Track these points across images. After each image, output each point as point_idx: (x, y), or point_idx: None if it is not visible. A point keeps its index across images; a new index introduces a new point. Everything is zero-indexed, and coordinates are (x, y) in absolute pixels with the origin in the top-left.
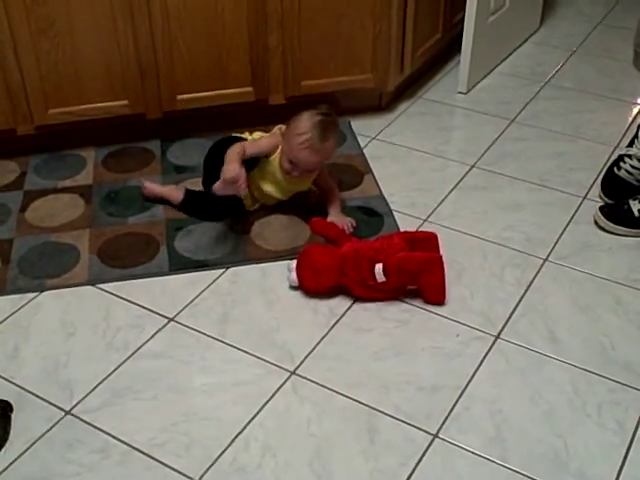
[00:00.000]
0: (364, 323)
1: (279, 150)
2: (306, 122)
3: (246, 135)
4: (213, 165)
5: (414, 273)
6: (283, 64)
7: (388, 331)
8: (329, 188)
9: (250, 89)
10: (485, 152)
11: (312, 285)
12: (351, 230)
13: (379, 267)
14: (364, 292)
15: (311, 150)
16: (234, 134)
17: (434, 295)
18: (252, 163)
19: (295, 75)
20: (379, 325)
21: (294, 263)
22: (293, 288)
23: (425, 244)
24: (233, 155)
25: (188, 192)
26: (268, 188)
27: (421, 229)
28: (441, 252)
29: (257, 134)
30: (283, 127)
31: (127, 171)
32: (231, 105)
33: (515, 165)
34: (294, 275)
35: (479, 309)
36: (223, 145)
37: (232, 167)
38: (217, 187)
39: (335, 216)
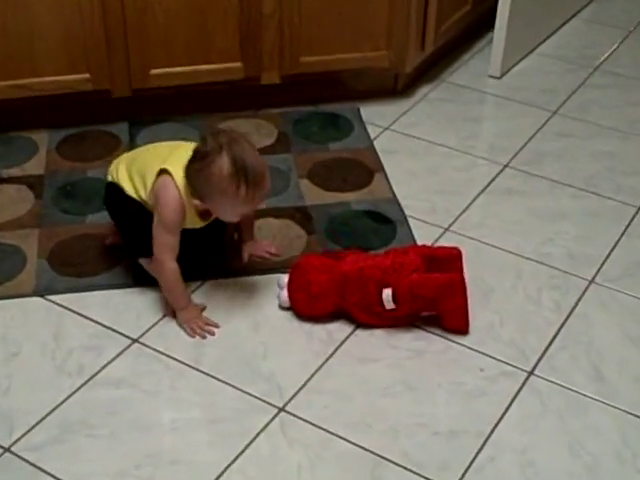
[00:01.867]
0: (370, 352)
1: (186, 201)
2: (219, 178)
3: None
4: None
5: (430, 300)
6: (279, 35)
7: (398, 362)
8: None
9: (238, 64)
10: (521, 149)
11: (306, 311)
12: (268, 256)
13: (388, 293)
14: (370, 319)
15: (259, 185)
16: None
17: (455, 321)
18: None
19: (293, 49)
20: (388, 354)
21: (285, 279)
22: (284, 308)
23: (446, 263)
24: (177, 295)
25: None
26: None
27: (441, 241)
28: (465, 271)
29: (185, 152)
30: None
31: (87, 159)
32: (215, 84)
33: (557, 166)
34: (285, 295)
35: (509, 338)
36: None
37: (189, 316)
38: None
39: (251, 244)
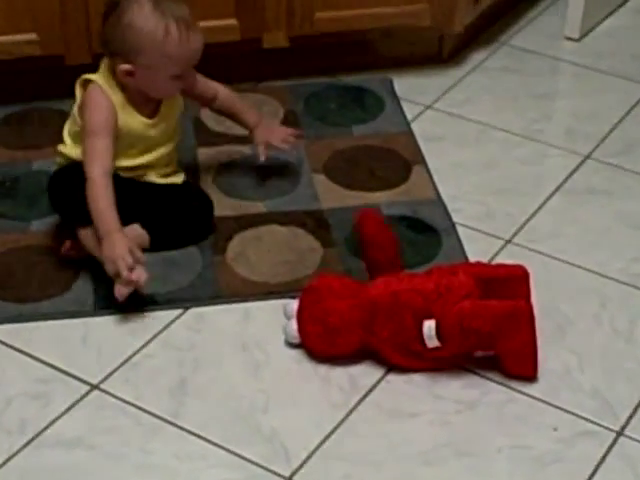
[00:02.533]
0: (405, 404)
1: (116, 99)
2: (145, 18)
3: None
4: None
5: (486, 335)
6: None
7: (444, 418)
8: (215, 87)
9: (233, 22)
10: (607, 135)
11: (323, 348)
12: (287, 147)
13: (430, 325)
14: (405, 360)
15: (192, 29)
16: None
17: (519, 364)
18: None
19: (306, 3)
20: (430, 408)
21: (295, 306)
22: (292, 345)
23: (508, 287)
24: (104, 214)
25: (150, 222)
26: (141, 159)
27: (501, 256)
28: (533, 297)
29: (103, 64)
30: (119, 70)
31: (32, 147)
32: (204, 47)
33: None
34: (294, 327)
35: (592, 387)
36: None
37: (117, 253)
38: (119, 292)
39: (261, 130)
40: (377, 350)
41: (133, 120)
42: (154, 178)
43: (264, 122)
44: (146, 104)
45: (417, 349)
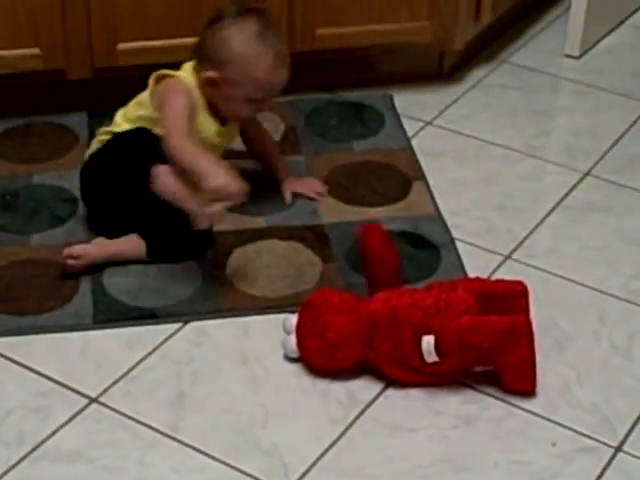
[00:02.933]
0: (404, 418)
1: (198, 98)
2: (245, 36)
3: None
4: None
5: (485, 351)
6: (289, 0)
7: (442, 433)
8: (263, 133)
9: None
10: (607, 152)
11: (322, 362)
12: (317, 197)
13: (429, 341)
14: (404, 375)
15: (284, 62)
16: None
17: (518, 379)
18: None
19: (307, 19)
20: (428, 422)
21: (294, 321)
22: (291, 359)
23: (507, 303)
24: (194, 152)
25: (150, 232)
26: None
27: (500, 272)
28: (532, 312)
29: (187, 65)
30: (204, 76)
31: (33, 160)
32: None
33: None
34: (293, 341)
35: (590, 403)
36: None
37: (220, 174)
38: (201, 217)
39: (292, 180)
40: (376, 365)
41: (209, 122)
42: None
43: (293, 176)
44: (216, 113)
45: (416, 364)
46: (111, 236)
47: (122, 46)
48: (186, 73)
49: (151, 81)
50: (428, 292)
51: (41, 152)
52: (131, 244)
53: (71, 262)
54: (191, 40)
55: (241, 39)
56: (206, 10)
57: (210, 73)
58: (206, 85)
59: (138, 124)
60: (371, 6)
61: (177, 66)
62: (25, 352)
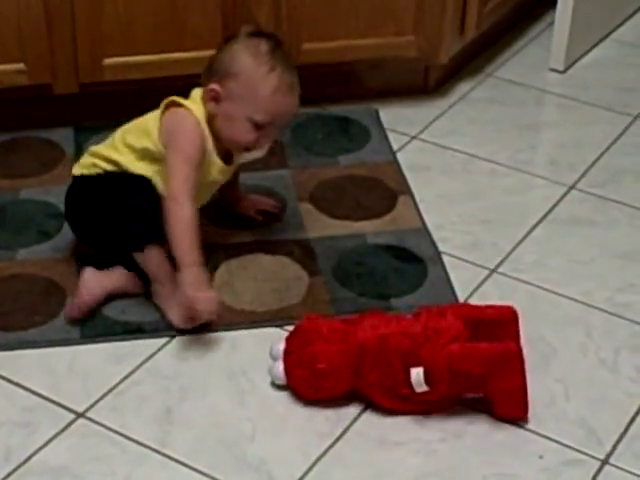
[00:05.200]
0: (391, 432)
1: (206, 135)
2: (255, 54)
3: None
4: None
5: (476, 377)
6: (274, 15)
7: (429, 447)
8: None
9: None
10: (592, 166)
11: (310, 393)
12: (276, 210)
13: (419, 372)
14: (394, 403)
15: (291, 89)
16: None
17: (509, 407)
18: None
19: (292, 33)
20: (415, 436)
21: (281, 347)
22: (278, 386)
23: (497, 328)
24: (188, 241)
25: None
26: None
27: (486, 285)
28: (522, 339)
29: (196, 92)
30: (208, 89)
31: (19, 176)
32: (188, 77)
33: (639, 188)
34: (280, 369)
35: (577, 416)
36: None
37: (194, 278)
38: (180, 321)
39: (248, 201)
40: (365, 394)
41: (214, 160)
42: None
43: (247, 196)
44: (222, 148)
45: (405, 393)
46: (96, 263)
47: (108, 61)
48: (195, 103)
49: (160, 109)
50: (416, 319)
51: (27, 167)
52: (127, 278)
53: (86, 310)
54: (177, 55)
55: (250, 54)
56: (192, 26)
57: (213, 85)
58: (209, 100)
59: (143, 161)
60: (357, 21)
61: (166, 80)
62: (12, 367)
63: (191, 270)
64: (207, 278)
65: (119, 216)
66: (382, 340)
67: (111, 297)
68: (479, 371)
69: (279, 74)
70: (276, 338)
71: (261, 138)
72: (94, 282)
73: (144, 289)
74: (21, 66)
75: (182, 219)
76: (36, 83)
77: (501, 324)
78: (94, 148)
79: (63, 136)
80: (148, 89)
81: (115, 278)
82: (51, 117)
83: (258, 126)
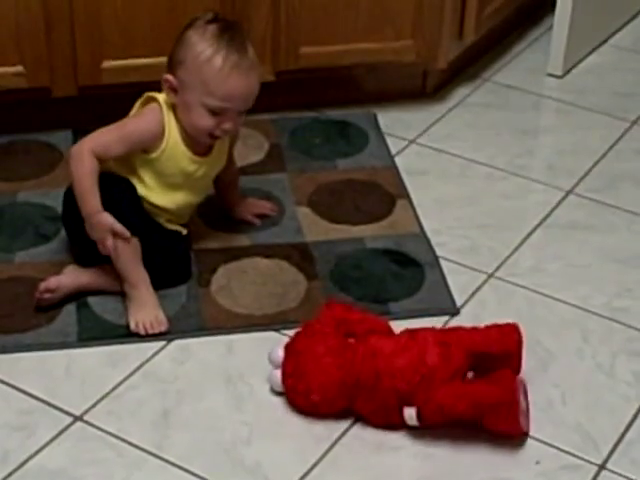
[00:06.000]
0: (388, 437)
1: (171, 126)
2: (202, 38)
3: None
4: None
5: (470, 418)
6: (273, 19)
7: (425, 451)
8: (233, 163)
9: None
10: (590, 171)
11: (306, 406)
12: (274, 213)
13: (411, 413)
14: (387, 423)
15: (238, 70)
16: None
17: (507, 434)
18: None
19: (291, 37)
20: (411, 441)
21: (280, 354)
22: (277, 392)
23: (498, 361)
24: (84, 182)
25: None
26: (165, 200)
27: (484, 290)
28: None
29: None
30: (165, 79)
31: (16, 179)
32: None
33: (637, 193)
34: (279, 376)
35: (574, 421)
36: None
37: (99, 223)
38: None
39: (244, 204)
40: (359, 414)
41: (181, 151)
42: (162, 221)
43: (243, 200)
44: (198, 143)
45: (399, 422)
46: (85, 262)
47: (107, 64)
48: (167, 97)
49: (138, 103)
50: (416, 346)
51: (25, 170)
52: (106, 276)
53: (47, 296)
54: None
55: (196, 39)
56: None
57: (167, 76)
58: (168, 92)
59: (121, 162)
60: (355, 25)
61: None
62: (9, 370)
63: (95, 216)
64: (110, 220)
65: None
66: (378, 378)
67: (87, 292)
68: (472, 413)
69: (223, 56)
70: (275, 343)
71: (222, 124)
72: (70, 274)
73: (119, 288)
74: (20, 69)
75: (82, 173)
76: (35, 86)
77: (504, 360)
78: None
79: (61, 139)
80: (145, 92)
81: (93, 274)
82: (49, 120)
83: (214, 112)
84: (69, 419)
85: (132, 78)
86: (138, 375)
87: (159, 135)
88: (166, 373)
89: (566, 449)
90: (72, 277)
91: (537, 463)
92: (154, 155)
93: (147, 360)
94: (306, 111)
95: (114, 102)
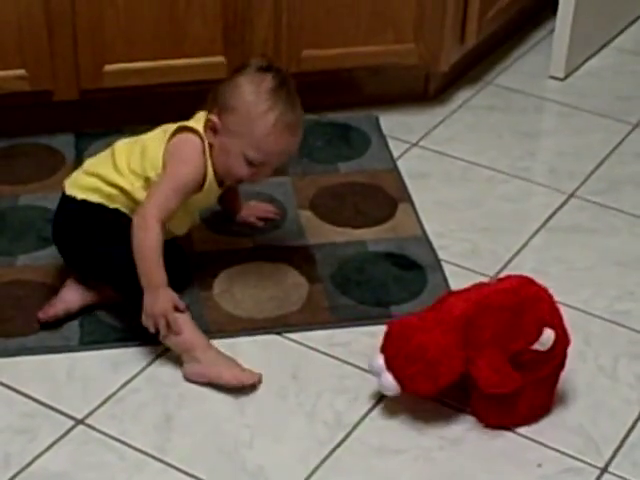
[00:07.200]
0: (390, 440)
1: (208, 164)
2: (258, 90)
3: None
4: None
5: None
6: (275, 22)
7: (428, 454)
8: (236, 196)
9: (221, 59)
10: (591, 174)
11: (429, 386)
12: (276, 217)
13: (550, 335)
14: (496, 374)
15: (289, 130)
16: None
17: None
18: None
19: (293, 40)
20: (414, 444)
21: (380, 360)
22: (390, 397)
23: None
24: (152, 255)
25: (122, 286)
26: (181, 227)
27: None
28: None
29: (200, 115)
30: (207, 119)
31: (19, 182)
32: (188, 84)
33: (639, 195)
34: (390, 379)
35: (576, 424)
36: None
37: (160, 300)
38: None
39: (247, 209)
40: (473, 368)
41: (213, 188)
42: None
43: (246, 204)
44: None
45: (517, 348)
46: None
47: (109, 67)
48: (198, 123)
49: (171, 131)
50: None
51: (27, 173)
52: (110, 290)
53: (53, 320)
54: (178, 62)
55: (251, 89)
56: (192, 32)
57: (213, 117)
58: (208, 130)
59: (144, 188)
60: (357, 28)
61: (166, 87)
62: (11, 374)
63: (156, 292)
64: (172, 298)
65: (120, 261)
66: (481, 304)
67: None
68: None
69: (278, 114)
70: (371, 355)
71: (255, 174)
72: (74, 293)
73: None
74: (22, 72)
75: (149, 240)
76: (37, 89)
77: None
78: (93, 167)
79: (63, 142)
80: (148, 96)
81: (97, 291)
82: (51, 123)
83: (252, 163)
84: (71, 422)
85: (134, 82)
86: (140, 379)
87: (204, 176)
88: (168, 377)
89: (568, 452)
90: (77, 297)
91: (539, 466)
92: (197, 195)
93: (149, 364)
94: (308, 114)
95: (116, 106)
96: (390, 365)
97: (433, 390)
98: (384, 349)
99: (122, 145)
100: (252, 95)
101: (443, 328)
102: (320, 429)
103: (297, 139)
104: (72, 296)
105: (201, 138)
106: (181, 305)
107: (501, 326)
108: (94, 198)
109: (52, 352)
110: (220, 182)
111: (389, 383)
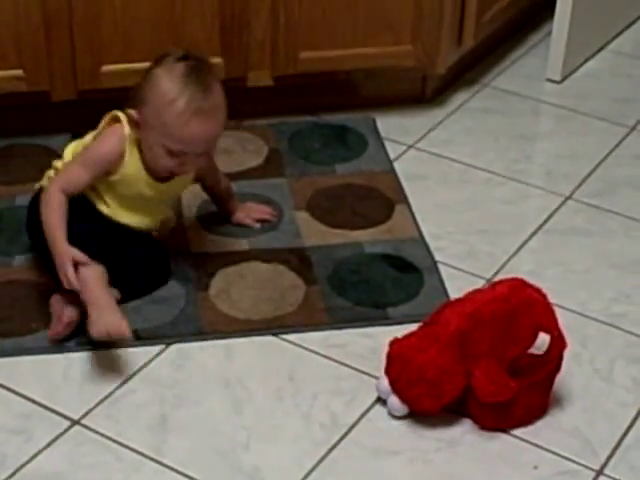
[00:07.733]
0: (386, 441)
1: (130, 153)
2: (168, 79)
3: (70, 149)
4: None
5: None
6: (272, 23)
7: (424, 456)
8: (219, 178)
9: (218, 61)
10: (588, 176)
11: (435, 404)
12: (273, 218)
13: (545, 339)
14: (493, 383)
15: (201, 115)
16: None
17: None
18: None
19: (290, 42)
20: (411, 445)
21: (386, 383)
22: (399, 417)
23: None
24: (51, 219)
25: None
26: (128, 219)
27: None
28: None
29: (88, 137)
30: (127, 114)
31: (15, 182)
32: None
33: (635, 199)
34: (397, 401)
35: (572, 426)
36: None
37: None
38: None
39: (242, 209)
40: (471, 378)
41: (140, 175)
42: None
43: (242, 205)
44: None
45: (515, 355)
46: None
47: (106, 68)
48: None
49: (105, 120)
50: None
51: (24, 173)
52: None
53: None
54: None
55: (163, 78)
56: (190, 33)
57: (131, 111)
58: (131, 127)
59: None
60: (354, 30)
61: None
62: (8, 374)
63: (56, 249)
64: (73, 251)
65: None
66: (474, 317)
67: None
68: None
69: (186, 100)
70: (377, 378)
71: (182, 165)
72: (69, 308)
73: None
74: (19, 72)
75: (52, 205)
76: (34, 90)
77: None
78: (57, 163)
79: (60, 143)
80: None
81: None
82: (49, 124)
83: (174, 153)
84: (67, 423)
85: (131, 82)
86: (136, 379)
87: (119, 159)
88: (164, 377)
89: (564, 454)
90: (73, 309)
91: (535, 468)
92: (115, 178)
93: (145, 364)
94: (305, 116)
95: (113, 106)
96: (395, 388)
97: (439, 407)
98: (387, 372)
99: (80, 141)
100: (162, 83)
101: (439, 346)
102: (316, 430)
103: (211, 127)
104: (70, 311)
105: (122, 125)
106: (83, 259)
107: (497, 337)
108: (44, 182)
109: (48, 352)
110: (156, 172)
111: (397, 405)
